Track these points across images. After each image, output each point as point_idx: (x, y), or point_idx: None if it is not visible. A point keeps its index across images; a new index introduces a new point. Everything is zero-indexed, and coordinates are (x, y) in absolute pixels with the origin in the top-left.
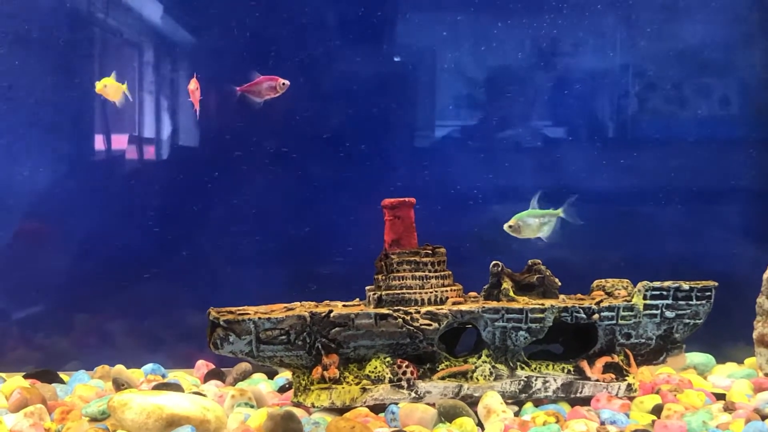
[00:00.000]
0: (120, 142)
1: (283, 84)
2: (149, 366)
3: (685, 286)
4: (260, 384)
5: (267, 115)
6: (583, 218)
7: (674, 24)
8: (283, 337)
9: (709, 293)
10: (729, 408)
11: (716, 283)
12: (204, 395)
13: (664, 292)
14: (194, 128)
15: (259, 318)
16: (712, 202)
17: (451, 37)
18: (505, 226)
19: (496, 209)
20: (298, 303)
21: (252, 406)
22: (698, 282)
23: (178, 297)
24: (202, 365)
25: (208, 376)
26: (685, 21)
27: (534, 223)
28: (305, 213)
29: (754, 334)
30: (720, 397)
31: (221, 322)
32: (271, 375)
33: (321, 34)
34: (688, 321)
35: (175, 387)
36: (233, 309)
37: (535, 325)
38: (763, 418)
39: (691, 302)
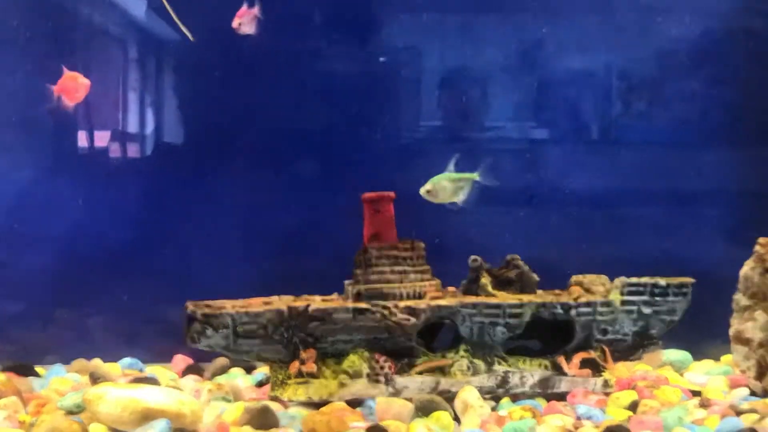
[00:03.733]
0: (98, 137)
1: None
2: (126, 360)
3: (662, 282)
4: (238, 379)
5: (247, 110)
6: (499, 180)
7: (655, 25)
8: (261, 331)
9: (686, 290)
10: (705, 404)
11: (693, 280)
12: (181, 389)
13: (641, 289)
14: (173, 123)
15: (237, 312)
16: (691, 201)
17: (435, 37)
18: (422, 191)
19: (476, 206)
20: (276, 297)
21: (229, 401)
22: (675, 279)
23: (156, 291)
24: (180, 360)
25: (186, 371)
26: (666, 22)
27: (449, 186)
28: (284, 207)
29: (731, 331)
30: (696, 393)
31: (198, 316)
32: (249, 370)
33: (305, 31)
34: (664, 317)
35: (152, 381)
36: (211, 303)
37: (513, 321)
38: (739, 414)
39: (667, 299)
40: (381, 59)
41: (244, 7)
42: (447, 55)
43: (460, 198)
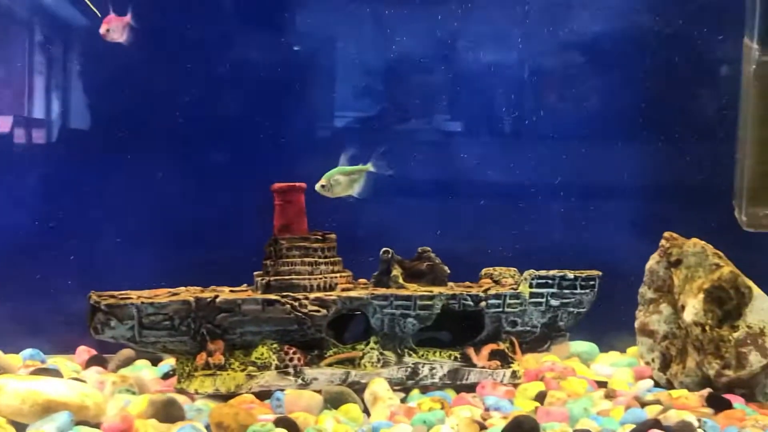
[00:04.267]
0: (2, 123)
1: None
2: (28, 351)
3: (570, 275)
4: (143, 370)
5: (157, 98)
6: (392, 169)
7: (565, 22)
8: (167, 322)
9: (593, 282)
10: (610, 395)
11: (600, 273)
12: (84, 381)
13: (550, 281)
14: (80, 110)
15: (142, 303)
16: (599, 196)
17: (348, 28)
18: (317, 187)
19: (388, 198)
20: (183, 288)
21: (134, 393)
22: (583, 271)
23: (59, 281)
24: (84, 351)
25: (90, 362)
26: (578, 17)
27: (344, 180)
28: (193, 197)
29: (636, 324)
30: (602, 384)
31: (102, 307)
32: (155, 361)
33: (216, 19)
34: (572, 309)
35: (54, 373)
36: (115, 293)
37: (424, 312)
38: (643, 405)
39: (575, 291)
40: (295, 48)
41: (112, 14)
42: (359, 47)
43: (355, 191)
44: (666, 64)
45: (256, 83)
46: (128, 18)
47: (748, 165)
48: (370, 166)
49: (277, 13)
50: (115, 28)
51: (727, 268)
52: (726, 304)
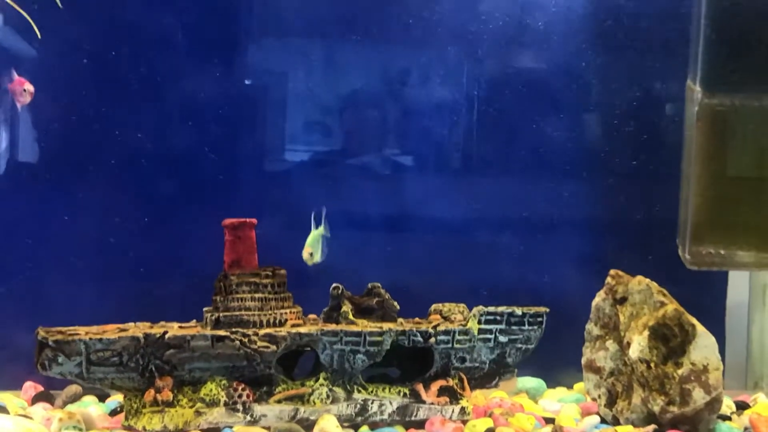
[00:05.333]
0: None
1: (25, 90)
2: None
3: (518, 311)
4: (90, 407)
5: (105, 131)
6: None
7: (512, 57)
8: (115, 358)
9: (540, 319)
10: (557, 431)
11: (548, 309)
12: (30, 418)
13: (498, 317)
14: (27, 140)
15: (90, 339)
16: (546, 232)
17: (302, 62)
18: (305, 256)
19: (339, 234)
20: (132, 324)
21: (81, 430)
22: (531, 308)
23: (6, 316)
24: (30, 387)
25: (36, 399)
26: (522, 54)
27: (320, 245)
28: (143, 232)
29: (583, 360)
30: (549, 420)
31: (50, 342)
32: (102, 398)
33: (168, 51)
34: (520, 346)
35: (1, 409)
36: (63, 329)
37: (373, 348)
38: None
39: (523, 327)
40: (246, 82)
41: (17, 77)
42: (311, 81)
43: (322, 256)
44: (612, 102)
45: (206, 117)
46: (27, 85)
47: (691, 203)
48: (322, 230)
49: (228, 47)
50: (19, 92)
51: (672, 306)
52: (670, 342)
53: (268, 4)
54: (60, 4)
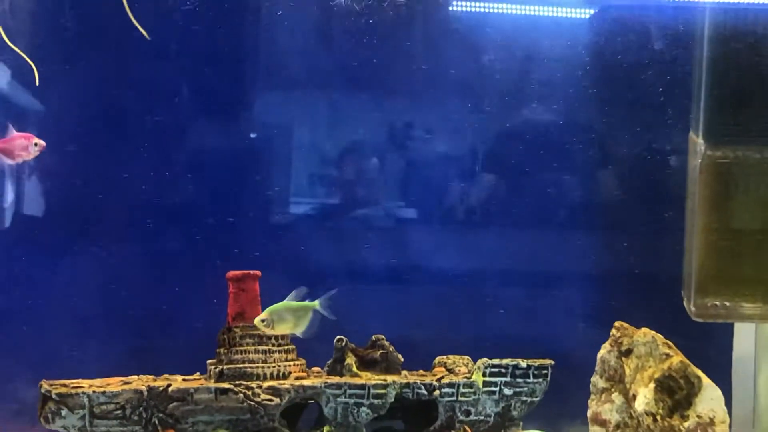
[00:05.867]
0: None
1: (36, 144)
2: None
3: (523, 364)
4: None
5: (108, 183)
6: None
7: (517, 111)
8: (119, 411)
9: (545, 371)
10: None
11: (553, 362)
12: None
13: (503, 370)
14: (30, 193)
15: (94, 392)
16: (551, 284)
17: (307, 115)
18: (256, 321)
19: (343, 286)
20: (135, 376)
21: None
22: (536, 360)
23: (9, 370)
24: None
25: None
26: (527, 108)
27: (290, 317)
28: (146, 284)
29: (588, 413)
30: None
31: (53, 395)
32: None
33: (173, 103)
34: (525, 398)
35: None
36: (67, 382)
37: (377, 401)
38: None
39: (528, 380)
40: (251, 135)
41: (15, 132)
42: (316, 133)
43: (300, 330)
44: (616, 155)
45: (210, 170)
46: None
47: (695, 256)
48: (317, 304)
49: (233, 101)
50: (19, 149)
51: (677, 358)
52: (676, 394)
53: (273, 58)
54: (147, 35)
